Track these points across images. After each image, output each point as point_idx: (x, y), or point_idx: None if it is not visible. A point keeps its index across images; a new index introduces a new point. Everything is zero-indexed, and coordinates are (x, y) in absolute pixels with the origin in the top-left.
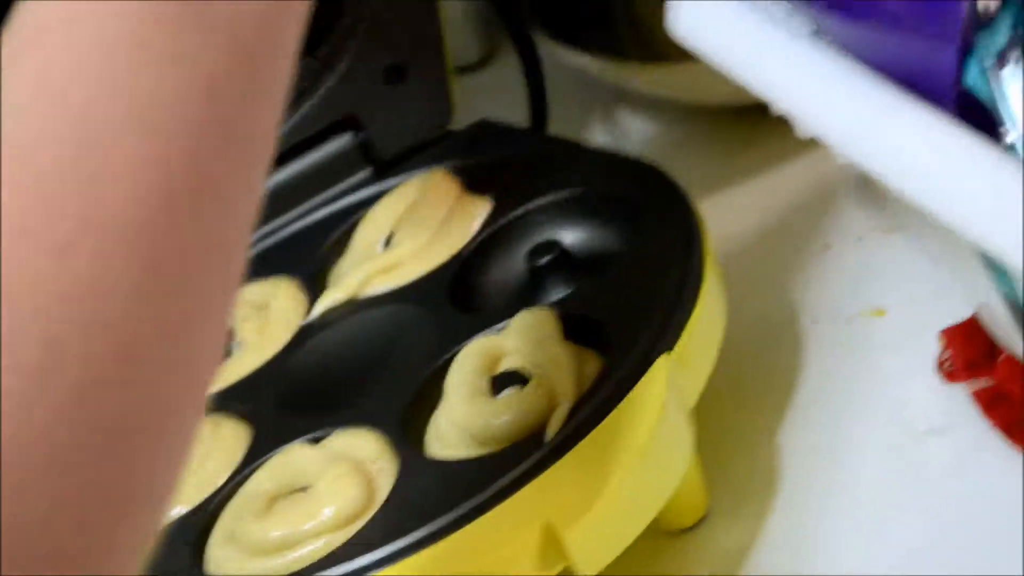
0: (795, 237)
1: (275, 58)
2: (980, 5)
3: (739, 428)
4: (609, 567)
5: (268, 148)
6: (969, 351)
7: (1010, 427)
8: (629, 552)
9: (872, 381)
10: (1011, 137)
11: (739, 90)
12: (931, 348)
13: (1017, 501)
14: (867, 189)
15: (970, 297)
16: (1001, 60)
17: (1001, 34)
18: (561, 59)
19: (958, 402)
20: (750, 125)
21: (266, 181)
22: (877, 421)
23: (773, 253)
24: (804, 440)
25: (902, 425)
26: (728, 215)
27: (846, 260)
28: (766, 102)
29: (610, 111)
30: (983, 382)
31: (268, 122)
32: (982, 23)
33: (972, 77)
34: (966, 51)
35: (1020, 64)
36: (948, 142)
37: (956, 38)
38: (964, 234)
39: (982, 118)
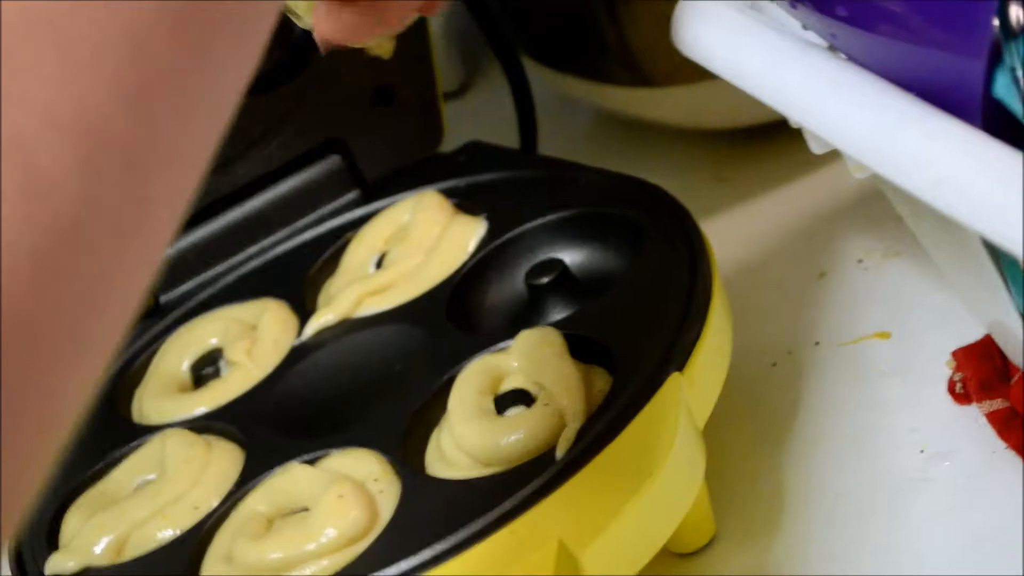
0: (793, 262)
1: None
2: (1012, 15)
3: (744, 452)
4: None
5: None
6: (982, 372)
7: None
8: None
9: (878, 404)
10: None
11: (730, 114)
12: (937, 370)
13: None
14: (866, 212)
15: (981, 317)
16: None
17: None
18: (546, 83)
19: (967, 424)
20: (742, 149)
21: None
22: (884, 445)
23: (771, 278)
24: (810, 464)
25: (910, 449)
26: (722, 240)
27: (846, 284)
28: (758, 125)
29: (596, 135)
30: (997, 403)
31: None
32: (1012, 33)
33: (1001, 88)
34: (994, 61)
35: None
36: (979, 152)
37: (984, 52)
38: (1000, 244)
39: (1011, 130)
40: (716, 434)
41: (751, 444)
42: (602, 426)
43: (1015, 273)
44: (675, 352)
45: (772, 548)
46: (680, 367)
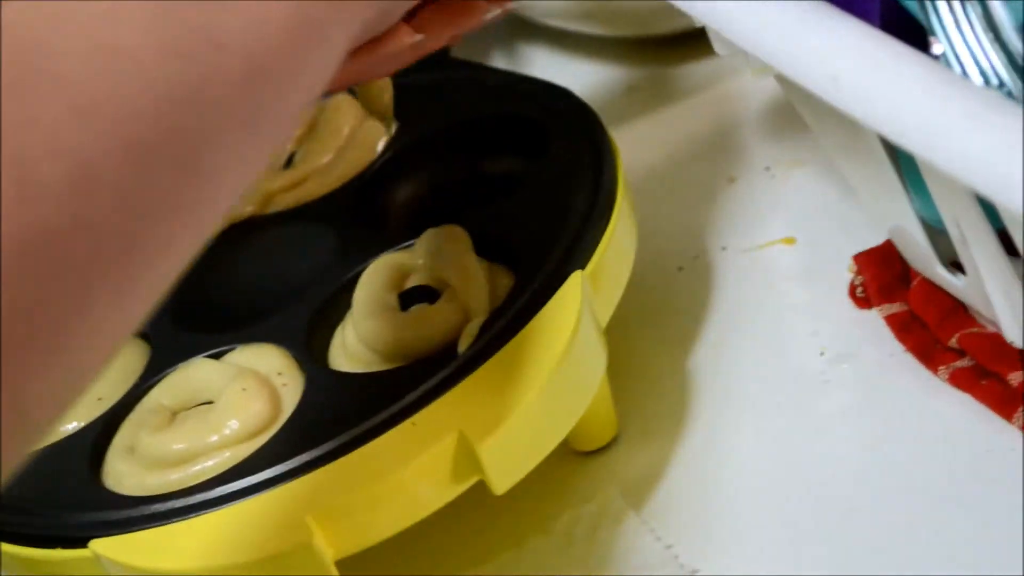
0: (701, 169)
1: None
2: None
3: (649, 354)
4: (520, 487)
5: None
6: (882, 276)
7: (924, 351)
8: (540, 472)
9: (781, 308)
10: (938, 49)
11: (641, 21)
12: (840, 275)
13: (927, 424)
14: (774, 121)
15: (883, 222)
16: None
17: None
18: None
19: (867, 328)
20: (653, 58)
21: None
22: (787, 347)
23: (680, 185)
24: (713, 366)
25: (812, 351)
26: (633, 147)
27: (754, 191)
28: (670, 34)
29: (510, 42)
30: (896, 307)
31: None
32: None
33: None
34: None
35: None
36: (874, 48)
37: None
38: (893, 140)
39: (907, 28)
40: (621, 336)
41: (656, 346)
42: (504, 322)
43: (915, 177)
44: (578, 250)
45: (674, 447)
46: (583, 265)
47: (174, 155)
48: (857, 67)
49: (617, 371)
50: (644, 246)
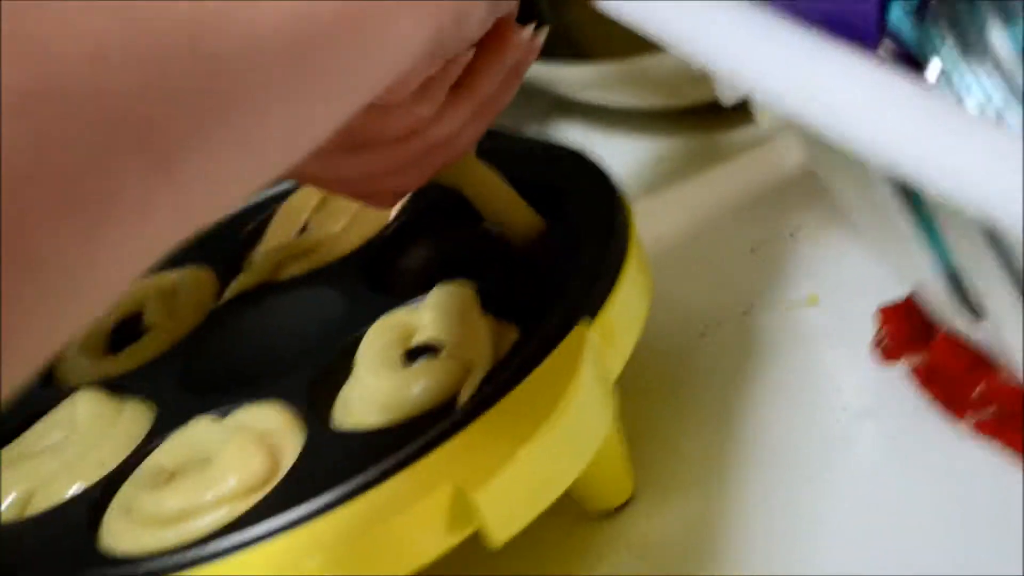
0: (726, 237)
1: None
2: None
3: (670, 418)
4: (532, 547)
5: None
6: (906, 329)
7: (948, 402)
8: (552, 533)
9: (805, 366)
10: (933, 76)
11: (673, 93)
12: (864, 333)
13: (953, 478)
14: (800, 190)
15: (906, 278)
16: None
17: None
18: None
19: (890, 385)
20: (683, 129)
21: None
22: (810, 405)
23: (705, 252)
24: (736, 427)
25: (836, 408)
26: (661, 216)
27: (777, 255)
28: (699, 103)
29: (544, 119)
30: (919, 359)
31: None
32: None
33: (896, 17)
34: None
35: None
36: (871, 80)
37: None
38: (911, 179)
39: (908, 60)
40: (642, 400)
41: (677, 410)
42: (503, 375)
43: (933, 233)
44: (584, 302)
45: (694, 508)
46: (589, 317)
47: (204, 67)
48: (854, 97)
49: (637, 436)
50: (667, 314)
